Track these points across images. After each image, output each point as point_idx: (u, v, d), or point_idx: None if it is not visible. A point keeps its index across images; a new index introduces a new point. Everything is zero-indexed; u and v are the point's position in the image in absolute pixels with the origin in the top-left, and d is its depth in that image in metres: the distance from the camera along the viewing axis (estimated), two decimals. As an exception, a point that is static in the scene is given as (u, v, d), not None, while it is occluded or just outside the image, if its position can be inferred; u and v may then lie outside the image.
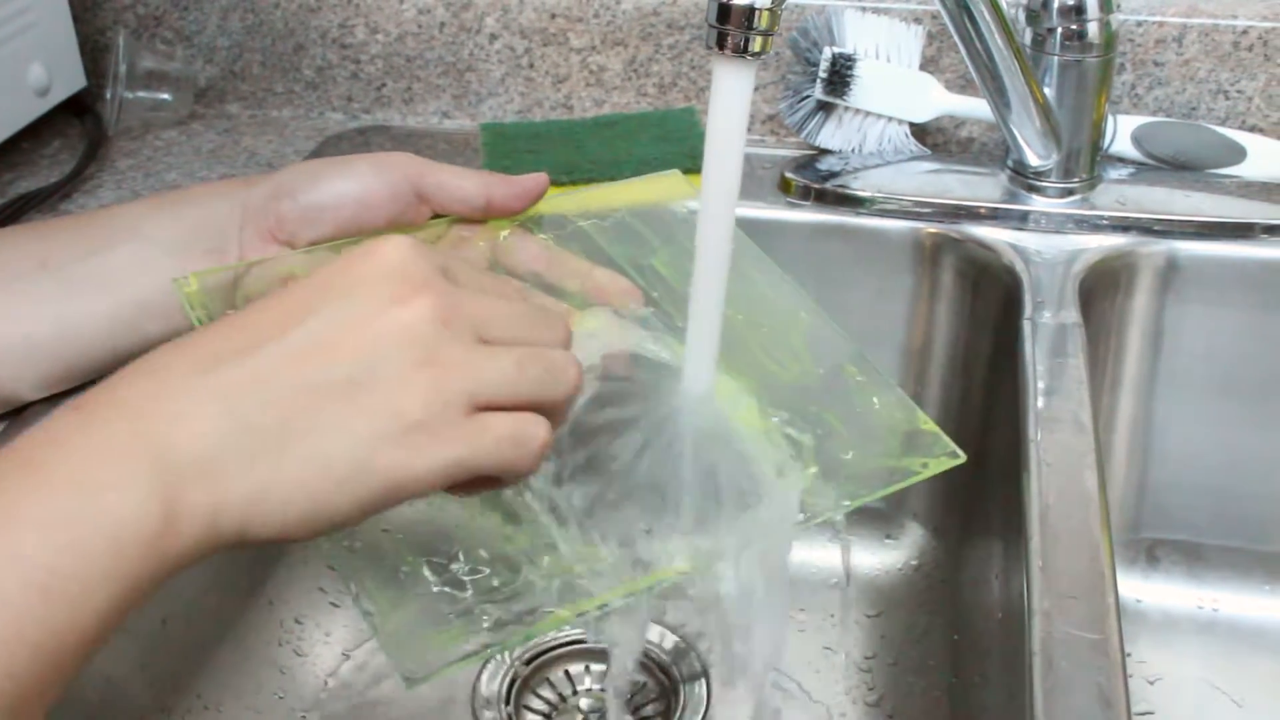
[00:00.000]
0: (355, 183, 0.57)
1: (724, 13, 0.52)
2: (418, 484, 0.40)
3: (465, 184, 0.58)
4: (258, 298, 0.54)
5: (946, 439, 0.52)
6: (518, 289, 0.58)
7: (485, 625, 0.45)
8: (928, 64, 0.78)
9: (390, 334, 0.40)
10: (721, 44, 0.52)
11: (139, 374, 0.40)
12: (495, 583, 0.46)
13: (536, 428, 0.42)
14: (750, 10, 0.52)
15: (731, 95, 0.53)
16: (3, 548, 0.35)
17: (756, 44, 0.52)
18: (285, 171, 0.58)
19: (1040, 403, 0.60)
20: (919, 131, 0.79)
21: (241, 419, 0.39)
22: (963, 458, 0.51)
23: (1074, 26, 0.69)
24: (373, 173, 0.57)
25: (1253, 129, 0.77)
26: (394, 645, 0.44)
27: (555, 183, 0.69)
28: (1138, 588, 0.77)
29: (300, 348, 0.40)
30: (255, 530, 0.39)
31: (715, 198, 0.54)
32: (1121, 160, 0.77)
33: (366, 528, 0.47)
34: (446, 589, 0.46)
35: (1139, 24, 0.76)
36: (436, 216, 0.58)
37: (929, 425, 0.53)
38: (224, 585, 0.72)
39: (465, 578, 0.46)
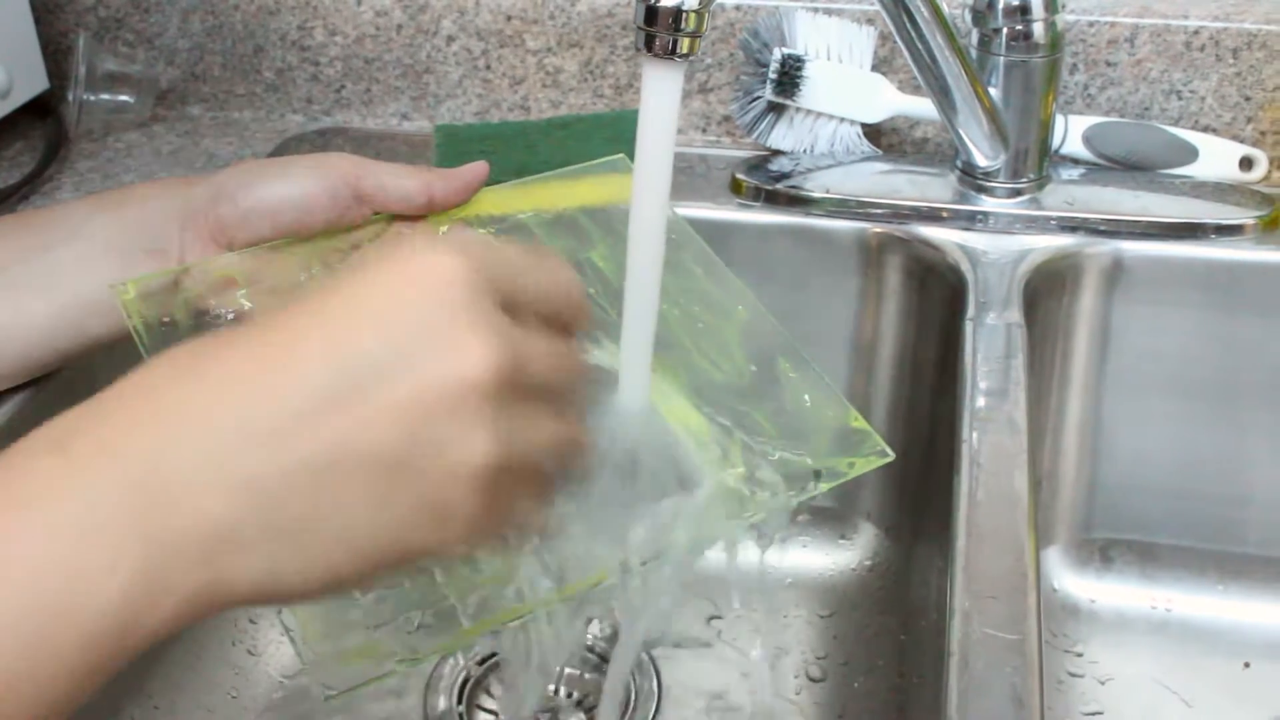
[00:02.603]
0: (293, 186, 0.57)
1: (651, 15, 0.52)
2: (433, 561, 0.39)
3: (405, 183, 0.58)
4: (202, 297, 0.55)
5: (876, 437, 0.52)
6: None
7: (405, 638, 0.45)
8: (881, 65, 0.78)
9: (446, 399, 0.34)
10: (649, 46, 0.52)
11: (133, 407, 0.34)
12: (415, 597, 0.46)
13: (539, 517, 0.39)
14: (677, 12, 0.52)
15: (661, 97, 0.53)
16: None
17: (684, 45, 0.52)
18: (224, 173, 0.58)
19: (976, 403, 0.60)
20: (873, 132, 0.79)
21: (261, 494, 0.33)
22: (891, 456, 0.51)
23: (1019, 27, 0.69)
24: (311, 176, 0.57)
25: (1205, 129, 0.77)
26: (313, 658, 0.44)
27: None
28: (1091, 587, 0.77)
29: (336, 398, 0.33)
30: (259, 601, 0.35)
31: (647, 201, 0.54)
32: (1074, 161, 0.77)
33: None
34: (367, 603, 0.46)
35: (1090, 24, 0.76)
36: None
37: (859, 423, 0.53)
38: (175, 585, 0.73)
39: (387, 591, 0.46)
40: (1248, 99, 0.76)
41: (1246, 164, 0.76)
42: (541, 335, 0.37)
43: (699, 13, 0.52)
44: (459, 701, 0.72)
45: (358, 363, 0.34)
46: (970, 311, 0.66)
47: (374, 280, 0.35)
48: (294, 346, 0.34)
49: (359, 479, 0.34)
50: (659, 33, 0.52)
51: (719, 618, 0.76)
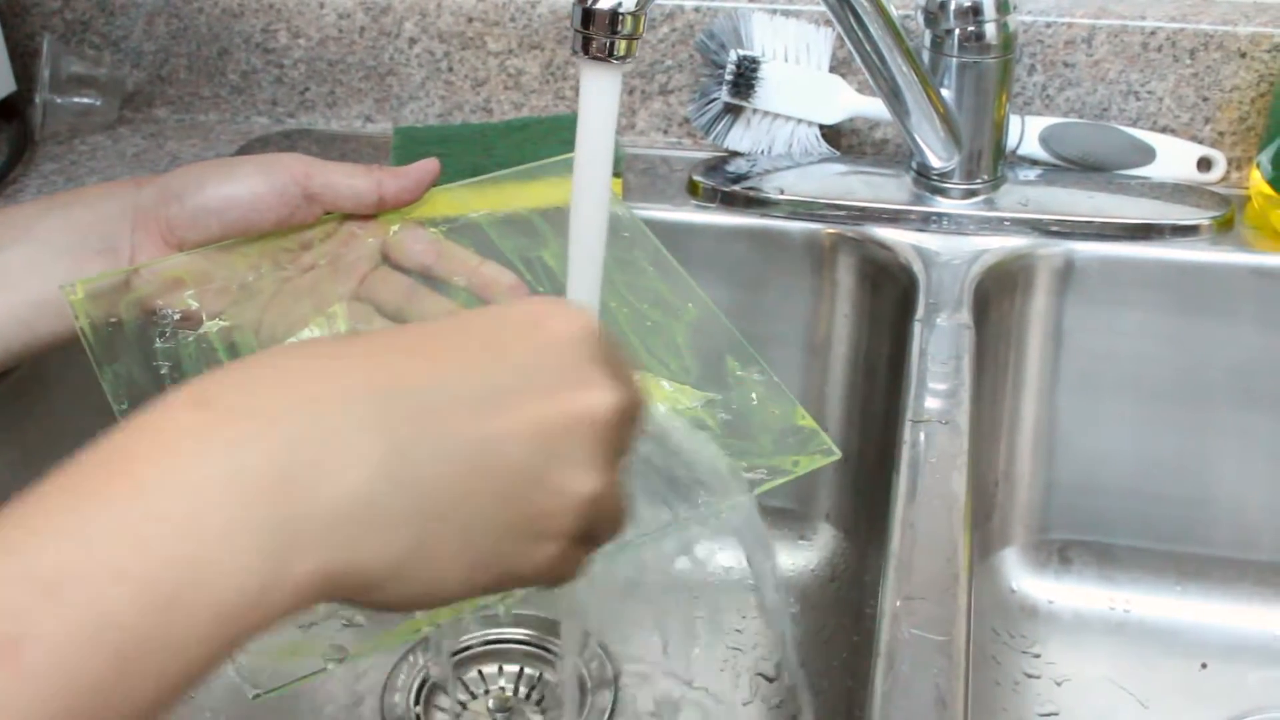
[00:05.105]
0: (242, 186, 0.57)
1: (587, 18, 0.52)
2: (517, 585, 0.38)
3: (355, 182, 0.58)
4: (151, 297, 0.55)
5: (823, 435, 0.52)
6: (405, 285, 0.58)
7: (335, 638, 0.45)
8: (840, 66, 0.78)
9: (575, 421, 0.36)
10: (586, 49, 0.53)
11: (280, 369, 0.34)
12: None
13: (583, 566, 0.40)
14: (614, 15, 0.52)
15: (599, 99, 0.53)
16: (89, 594, 0.29)
17: (621, 48, 0.52)
18: (174, 174, 0.59)
19: (921, 404, 0.60)
20: (833, 134, 0.79)
21: (407, 468, 0.33)
22: (837, 454, 0.51)
23: (971, 28, 0.69)
24: (259, 175, 0.57)
25: (1164, 130, 0.77)
26: (241, 654, 0.44)
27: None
28: (1050, 589, 0.77)
29: (483, 399, 0.35)
30: (369, 596, 0.34)
31: (586, 202, 0.54)
32: (1032, 162, 0.77)
33: None
34: None
35: (1048, 25, 0.76)
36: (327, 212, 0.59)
37: (806, 421, 0.53)
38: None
39: None
40: (1205, 100, 0.76)
41: (1205, 164, 0.76)
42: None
43: (635, 15, 0.52)
44: (416, 702, 0.72)
45: (509, 378, 0.36)
46: (920, 312, 0.66)
47: (515, 316, 0.38)
48: (449, 353, 0.36)
49: (492, 479, 0.35)
50: (595, 35, 0.52)
51: (679, 618, 0.76)
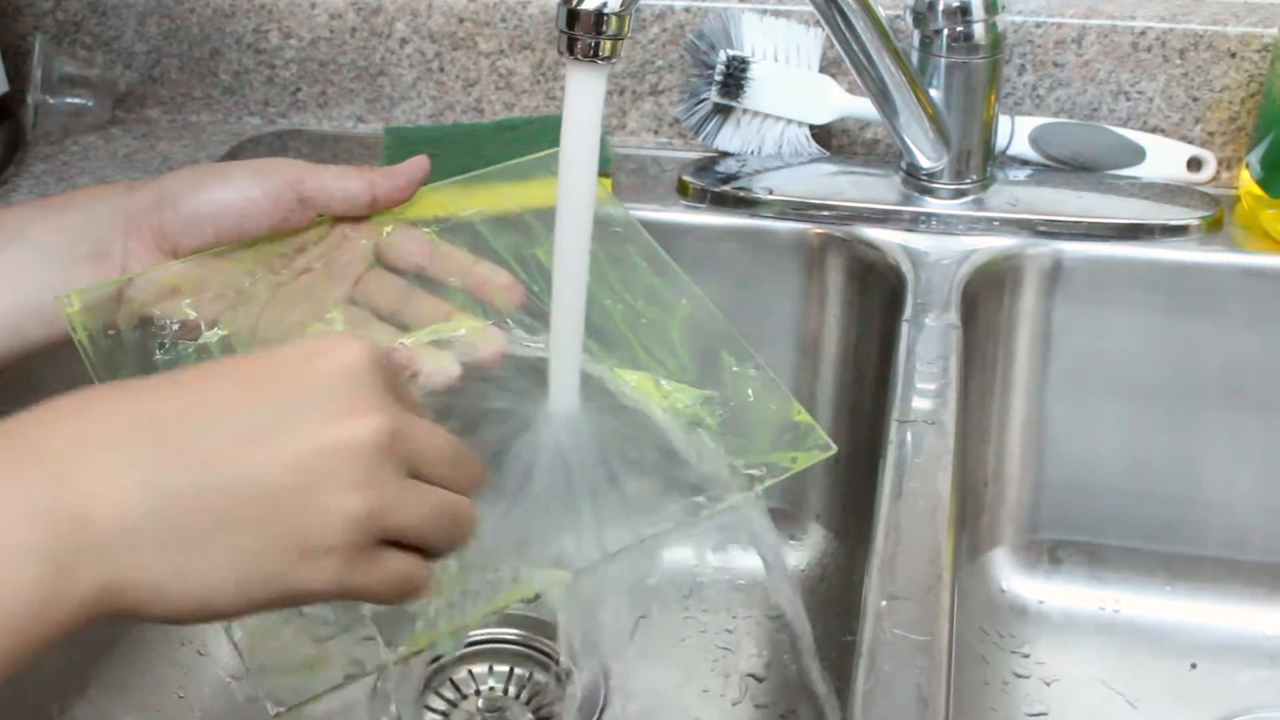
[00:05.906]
0: (236, 191, 0.57)
1: (572, 18, 0.52)
2: (307, 600, 0.41)
3: (348, 184, 0.58)
4: (147, 306, 0.55)
5: (819, 430, 0.52)
6: (400, 287, 0.58)
7: (353, 651, 0.46)
8: (830, 66, 0.78)
9: (336, 447, 0.40)
10: (571, 49, 0.53)
11: (64, 415, 0.39)
12: (365, 610, 0.47)
13: (420, 573, 0.43)
14: (598, 15, 0.52)
15: (584, 99, 0.53)
16: None
17: (606, 48, 0.52)
18: (166, 178, 0.58)
19: (907, 404, 0.60)
20: (823, 134, 0.79)
21: (167, 499, 0.37)
22: (834, 449, 0.52)
23: (960, 28, 0.69)
24: (253, 180, 0.57)
25: (1154, 130, 0.77)
26: (261, 672, 0.44)
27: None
28: (1039, 588, 0.77)
29: (245, 433, 0.39)
30: (145, 611, 0.38)
31: (572, 202, 0.54)
32: (1022, 162, 0.77)
33: None
34: (318, 614, 0.46)
35: (1038, 25, 0.76)
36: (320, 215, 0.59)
37: (803, 416, 0.53)
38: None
39: (337, 603, 0.46)
40: (1195, 100, 0.76)
41: (1195, 164, 0.76)
42: (427, 422, 0.43)
43: (620, 15, 0.52)
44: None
45: (273, 411, 0.40)
46: (907, 313, 0.66)
47: (296, 351, 0.42)
48: (220, 390, 0.41)
49: (253, 508, 0.39)
50: (580, 36, 0.52)
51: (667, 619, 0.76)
